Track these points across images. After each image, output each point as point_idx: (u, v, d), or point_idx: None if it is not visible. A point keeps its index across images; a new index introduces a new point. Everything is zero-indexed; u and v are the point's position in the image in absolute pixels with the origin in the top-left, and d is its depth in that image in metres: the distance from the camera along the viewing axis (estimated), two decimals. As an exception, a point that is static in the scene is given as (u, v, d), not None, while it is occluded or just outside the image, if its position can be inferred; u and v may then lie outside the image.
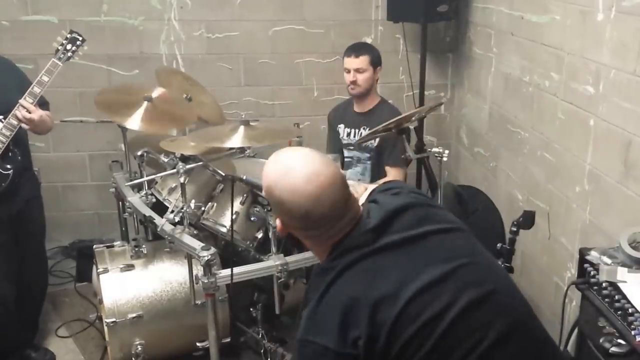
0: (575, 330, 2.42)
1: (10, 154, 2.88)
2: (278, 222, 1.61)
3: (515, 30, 3.51)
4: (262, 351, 3.14)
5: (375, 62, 3.47)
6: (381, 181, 3.35)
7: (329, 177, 1.51)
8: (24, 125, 2.86)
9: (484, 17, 3.95)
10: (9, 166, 2.87)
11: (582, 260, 2.22)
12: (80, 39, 3.01)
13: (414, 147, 4.06)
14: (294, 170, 1.51)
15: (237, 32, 4.14)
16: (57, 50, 2.97)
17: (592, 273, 2.14)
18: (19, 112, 2.83)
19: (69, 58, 2.98)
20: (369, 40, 4.23)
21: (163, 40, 4.10)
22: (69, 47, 2.98)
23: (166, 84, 3.76)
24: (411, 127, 3.05)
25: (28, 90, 2.86)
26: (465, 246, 1.59)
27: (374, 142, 3.49)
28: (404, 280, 1.45)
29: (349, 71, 3.46)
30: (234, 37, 4.14)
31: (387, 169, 3.48)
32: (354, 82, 3.46)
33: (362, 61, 3.43)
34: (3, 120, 2.84)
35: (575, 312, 2.69)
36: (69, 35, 3.00)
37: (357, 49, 3.49)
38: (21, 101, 2.84)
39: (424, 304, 1.43)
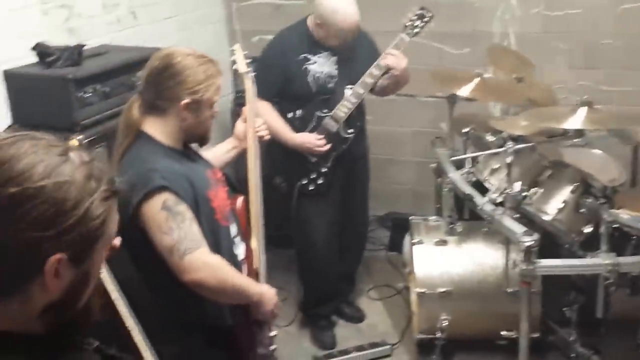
0: None
1: (352, 119, 3.05)
2: None
3: None
4: (572, 355, 2.90)
5: None
6: None
7: None
8: (392, 68, 2.97)
9: None
10: (350, 130, 3.06)
11: None
12: (429, 15, 3.02)
13: None
14: None
15: (579, 10, 3.81)
16: (406, 26, 3.03)
17: None
18: (385, 60, 2.96)
19: (416, 34, 3.03)
20: None
21: (497, 18, 3.97)
22: (417, 23, 3.02)
23: (497, 63, 3.67)
24: None
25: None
26: None
27: None
28: None
29: None
30: (575, 15, 3.82)
31: None
32: None
33: None
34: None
35: None
36: (418, 12, 3.04)
37: None
38: (389, 50, 2.98)
39: None
